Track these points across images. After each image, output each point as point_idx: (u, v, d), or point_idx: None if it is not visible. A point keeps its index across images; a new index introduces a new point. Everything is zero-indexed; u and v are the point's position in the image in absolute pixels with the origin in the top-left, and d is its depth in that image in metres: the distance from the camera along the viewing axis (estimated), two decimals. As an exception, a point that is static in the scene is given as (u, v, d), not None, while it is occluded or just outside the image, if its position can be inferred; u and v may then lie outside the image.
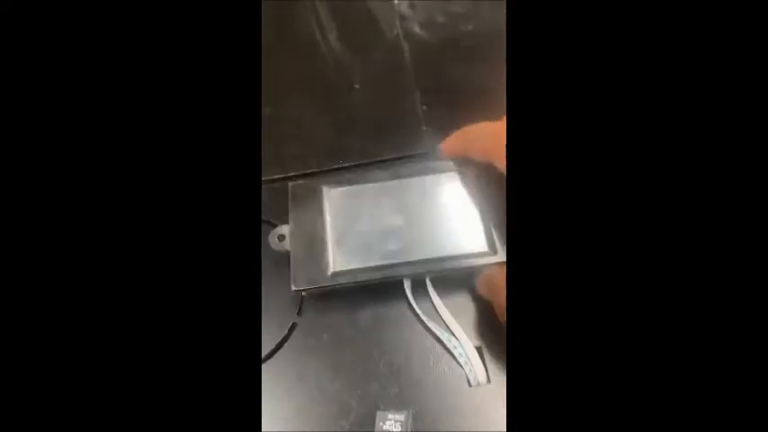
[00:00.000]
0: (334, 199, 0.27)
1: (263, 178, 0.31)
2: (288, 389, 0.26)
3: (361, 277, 0.25)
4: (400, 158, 0.32)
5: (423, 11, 0.39)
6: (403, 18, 0.39)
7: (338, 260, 0.26)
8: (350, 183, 0.28)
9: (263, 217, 0.29)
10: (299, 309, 0.27)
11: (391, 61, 0.37)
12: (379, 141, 0.33)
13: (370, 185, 0.28)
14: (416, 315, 0.26)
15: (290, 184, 0.28)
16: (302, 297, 0.27)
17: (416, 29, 0.38)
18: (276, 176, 0.31)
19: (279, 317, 0.27)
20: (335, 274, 0.25)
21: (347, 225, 0.27)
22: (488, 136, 0.26)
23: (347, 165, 0.32)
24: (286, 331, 0.27)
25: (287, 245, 0.26)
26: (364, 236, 0.26)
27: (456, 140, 0.28)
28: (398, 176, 0.28)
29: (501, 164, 0.24)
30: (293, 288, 0.25)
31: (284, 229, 0.27)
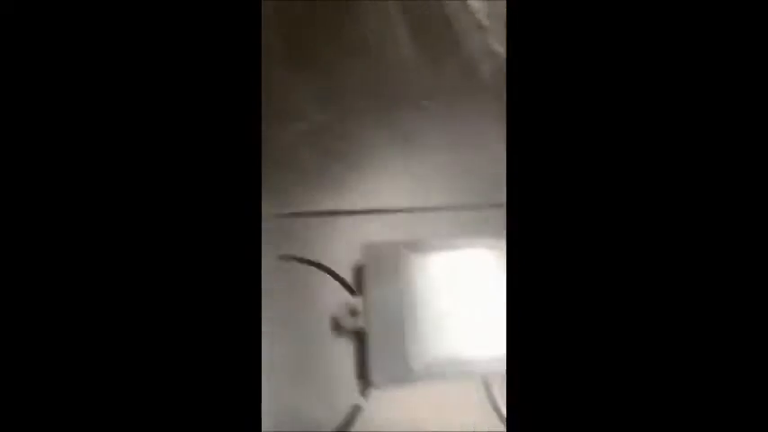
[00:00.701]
0: (420, 268, 0.23)
1: (297, 210, 0.26)
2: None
3: (451, 373, 0.21)
4: (482, 206, 0.27)
5: (501, 23, 0.34)
6: (481, 28, 0.34)
7: (425, 349, 0.22)
8: (436, 248, 0.23)
9: (301, 255, 0.24)
10: (364, 390, 0.23)
11: (467, 79, 0.32)
12: (456, 180, 0.28)
13: (464, 251, 0.23)
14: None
15: (363, 245, 0.23)
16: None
17: (496, 46, 0.33)
18: (304, 210, 0.26)
19: (337, 396, 0.22)
20: (423, 369, 0.21)
21: (435, 303, 0.22)
22: None
23: (421, 207, 0.27)
24: (345, 414, 0.22)
25: (360, 321, 0.22)
26: (457, 316, 0.22)
27: None
28: (494, 235, 0.23)
29: None
30: (374, 387, 0.21)
31: (356, 302, 0.22)
